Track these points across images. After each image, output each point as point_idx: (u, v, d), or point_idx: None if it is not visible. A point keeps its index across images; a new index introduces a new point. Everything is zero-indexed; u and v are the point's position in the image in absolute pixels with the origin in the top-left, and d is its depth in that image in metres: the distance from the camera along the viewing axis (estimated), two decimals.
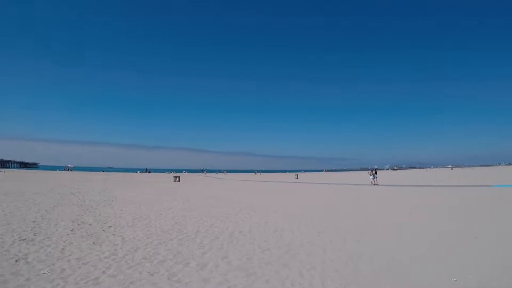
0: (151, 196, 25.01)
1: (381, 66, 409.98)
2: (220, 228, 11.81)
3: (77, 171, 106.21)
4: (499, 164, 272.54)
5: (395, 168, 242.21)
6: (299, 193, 29.95)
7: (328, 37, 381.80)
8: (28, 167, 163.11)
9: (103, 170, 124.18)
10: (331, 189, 35.04)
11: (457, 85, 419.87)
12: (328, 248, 8.87)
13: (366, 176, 41.56)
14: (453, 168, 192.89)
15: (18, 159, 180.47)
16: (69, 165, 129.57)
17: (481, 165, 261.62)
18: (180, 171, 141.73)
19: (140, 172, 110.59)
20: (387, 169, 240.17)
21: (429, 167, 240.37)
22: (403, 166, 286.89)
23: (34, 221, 12.54)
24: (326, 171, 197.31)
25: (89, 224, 12.20)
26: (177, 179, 52.53)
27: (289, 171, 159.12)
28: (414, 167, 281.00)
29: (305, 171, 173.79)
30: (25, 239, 9.55)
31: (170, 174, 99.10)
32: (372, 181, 40.16)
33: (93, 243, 9.40)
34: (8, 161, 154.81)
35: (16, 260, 7.49)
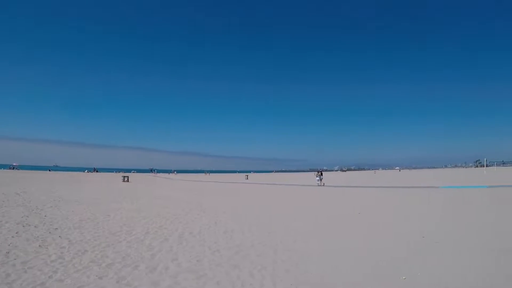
0: (99, 196, 24.12)
1: (333, 67, 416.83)
2: (170, 230, 11.55)
3: (23, 170, 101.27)
4: (446, 166, 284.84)
5: (344, 169, 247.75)
6: (249, 193, 30.02)
7: (272, 37, 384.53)
8: None
9: (49, 169, 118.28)
10: (281, 189, 35.39)
11: (403, 87, 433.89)
12: (278, 249, 8.87)
13: (313, 177, 42.40)
14: (401, 170, 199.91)
15: None
16: (14, 164, 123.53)
17: (428, 167, 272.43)
18: (129, 170, 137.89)
19: (88, 172, 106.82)
20: (336, 171, 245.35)
21: (378, 169, 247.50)
22: (352, 168, 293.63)
23: None
24: (276, 172, 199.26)
25: (35, 226, 11.56)
26: (126, 179, 51.26)
27: (239, 172, 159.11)
28: (363, 169, 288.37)
29: (255, 171, 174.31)
30: None
31: (119, 173, 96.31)
32: (318, 182, 40.87)
33: (39, 246, 8.90)
34: None
35: None
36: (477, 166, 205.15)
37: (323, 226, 12.20)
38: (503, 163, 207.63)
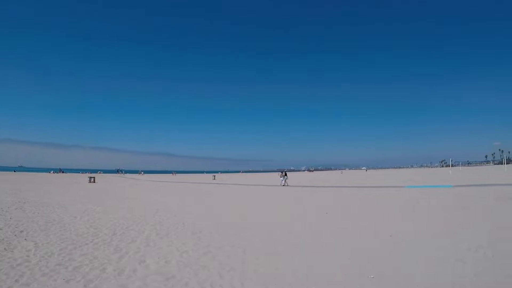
0: (64, 197, 23.44)
1: (301, 68, 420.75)
2: (137, 231, 11.33)
3: None
4: (412, 166, 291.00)
5: (311, 169, 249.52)
6: (216, 194, 29.72)
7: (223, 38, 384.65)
8: None
9: (14, 169, 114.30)
10: (247, 190, 35.30)
11: (371, 88, 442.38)
12: (247, 249, 8.82)
13: (278, 177, 42.69)
14: (368, 170, 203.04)
15: None
16: None
17: (395, 167, 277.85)
18: (95, 171, 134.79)
19: (53, 172, 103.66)
20: (303, 171, 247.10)
21: (344, 169, 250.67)
22: (319, 168, 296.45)
23: None
24: (243, 172, 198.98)
25: (0, 229, 11.18)
26: (92, 179, 49.85)
27: (207, 172, 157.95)
28: (330, 169, 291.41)
29: (222, 172, 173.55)
30: None
31: (85, 174, 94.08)
32: (282, 182, 41.14)
33: (4, 249, 8.57)
34: None
35: None
36: (442, 166, 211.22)
37: (291, 226, 12.19)
38: (468, 163, 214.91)
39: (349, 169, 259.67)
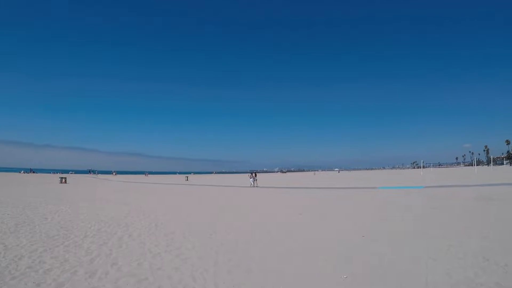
0: (35, 198, 22.82)
1: (279, 68, 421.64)
2: (109, 233, 11.07)
3: None
4: (384, 168, 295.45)
5: (284, 170, 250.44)
6: (189, 195, 29.49)
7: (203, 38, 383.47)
8: None
9: None
10: (220, 191, 35.14)
11: (343, 90, 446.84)
12: (220, 251, 8.71)
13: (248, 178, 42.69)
14: (340, 171, 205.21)
15: None
16: None
17: (367, 169, 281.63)
18: (66, 171, 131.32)
19: (24, 172, 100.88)
20: (276, 172, 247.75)
21: (317, 170, 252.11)
22: (292, 169, 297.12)
23: None
24: (216, 173, 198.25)
25: None
26: (63, 180, 48.76)
27: (180, 173, 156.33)
28: (303, 170, 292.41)
29: (195, 173, 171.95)
30: None
31: (56, 175, 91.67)
32: (252, 183, 41.22)
33: None
34: None
35: None
36: (414, 168, 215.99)
37: (264, 227, 12.11)
38: (439, 165, 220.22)
39: (322, 170, 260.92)
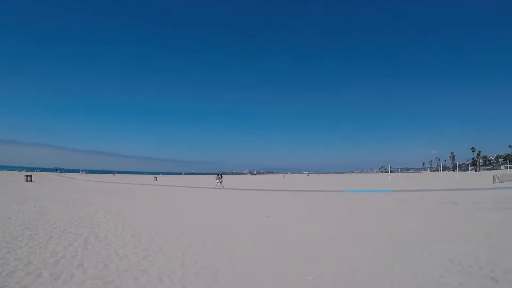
0: None
1: (243, 71, 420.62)
2: (74, 234, 10.70)
3: None
4: (352, 172, 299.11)
5: (253, 173, 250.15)
6: (157, 195, 29.09)
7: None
8: None
9: None
10: (187, 191, 34.94)
11: (309, 95, 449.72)
12: (187, 252, 8.61)
13: (215, 179, 42.54)
14: (309, 174, 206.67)
15: None
16: None
17: (336, 172, 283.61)
18: (32, 169, 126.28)
19: None
20: (246, 174, 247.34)
21: (286, 173, 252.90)
22: (262, 171, 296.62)
23: None
24: (185, 173, 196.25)
25: None
26: (29, 178, 46.81)
27: (148, 173, 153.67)
28: (273, 173, 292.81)
29: (164, 173, 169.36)
30: None
31: (21, 172, 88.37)
32: (218, 185, 41.16)
33: None
34: None
35: None
36: (382, 172, 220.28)
37: (232, 229, 12.08)
38: (407, 170, 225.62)
39: (291, 173, 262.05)
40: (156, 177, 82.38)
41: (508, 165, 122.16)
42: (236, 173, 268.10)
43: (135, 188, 41.40)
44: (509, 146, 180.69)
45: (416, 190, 32.53)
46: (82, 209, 17.12)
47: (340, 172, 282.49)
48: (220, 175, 43.40)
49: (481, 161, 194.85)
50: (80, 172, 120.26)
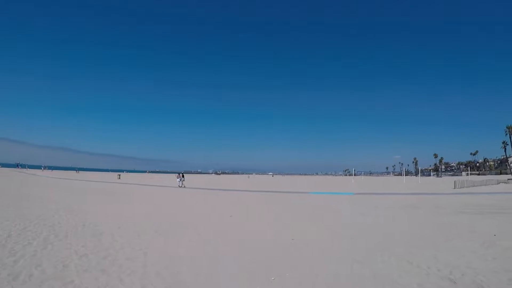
0: None
1: (208, 71, 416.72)
2: (34, 232, 10.34)
3: None
4: (317, 174, 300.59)
5: (218, 172, 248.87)
6: (120, 194, 28.52)
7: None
8: None
9: None
10: (153, 190, 34.49)
11: (277, 96, 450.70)
12: (148, 251, 8.50)
13: (179, 178, 42.10)
14: (274, 175, 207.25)
15: None
16: None
17: (300, 174, 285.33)
18: None
19: None
20: (211, 173, 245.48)
21: (251, 173, 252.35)
22: (227, 171, 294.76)
23: None
24: (150, 172, 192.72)
25: None
26: None
27: (112, 171, 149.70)
28: (237, 173, 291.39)
29: (128, 171, 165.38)
30: None
31: None
32: (179, 184, 40.91)
33: None
34: None
35: None
36: (346, 175, 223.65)
37: (194, 228, 11.98)
38: (370, 173, 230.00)
39: (256, 173, 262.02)
40: (119, 175, 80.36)
41: (469, 172, 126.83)
42: (201, 173, 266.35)
43: (98, 186, 40.37)
44: (471, 154, 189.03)
45: (378, 194, 33.18)
46: (43, 207, 16.57)
47: (305, 174, 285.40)
48: (181, 174, 43.15)
49: (443, 167, 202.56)
50: (42, 168, 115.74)
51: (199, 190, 35.50)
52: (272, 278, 6.54)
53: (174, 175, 50.28)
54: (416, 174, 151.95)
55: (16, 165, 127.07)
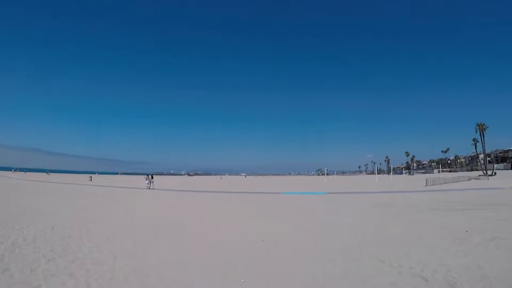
0: None
1: (187, 73, 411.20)
2: (2, 236, 10.04)
3: None
4: (290, 174, 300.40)
5: (191, 174, 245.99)
6: (92, 196, 28.00)
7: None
8: None
9: None
10: (124, 192, 34.01)
11: (249, 96, 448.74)
12: (117, 255, 8.33)
13: (157, 179, 41.66)
14: (247, 176, 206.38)
15: None
16: None
17: (273, 174, 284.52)
18: None
19: None
20: (183, 175, 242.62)
21: (224, 174, 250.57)
22: (200, 172, 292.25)
23: None
24: (122, 174, 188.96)
25: None
26: None
27: (83, 173, 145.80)
28: (210, 174, 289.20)
29: (100, 173, 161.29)
30: None
31: None
32: (148, 186, 40.48)
33: None
34: None
35: None
36: (319, 175, 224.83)
37: (164, 231, 11.86)
38: (343, 172, 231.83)
39: (229, 174, 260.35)
40: (91, 177, 78.70)
41: (440, 169, 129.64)
42: (174, 174, 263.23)
43: (69, 188, 39.45)
44: (442, 151, 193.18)
45: (351, 192, 33.41)
46: (11, 209, 16.09)
47: (278, 174, 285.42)
48: (151, 176, 42.71)
49: (415, 165, 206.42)
50: (13, 170, 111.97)
51: (170, 192, 35.15)
52: (242, 280, 6.45)
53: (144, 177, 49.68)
54: (388, 173, 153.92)
55: None
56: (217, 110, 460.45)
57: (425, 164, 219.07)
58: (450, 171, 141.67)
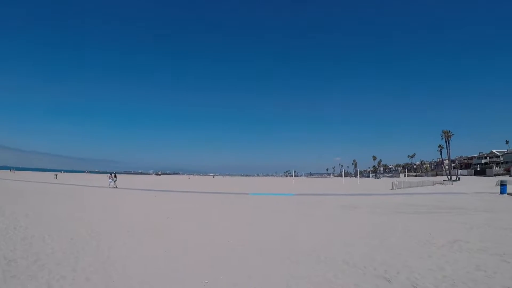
0: None
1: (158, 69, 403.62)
2: None
3: None
4: (258, 175, 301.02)
5: (159, 173, 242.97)
6: (55, 194, 26.95)
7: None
8: None
9: None
10: (90, 191, 32.95)
11: (216, 97, 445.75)
12: (80, 256, 8.05)
13: (124, 178, 40.77)
14: (215, 176, 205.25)
15: None
16: None
17: (241, 175, 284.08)
18: None
19: None
20: (151, 174, 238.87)
21: (192, 174, 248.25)
22: (168, 172, 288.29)
23: None
24: (89, 172, 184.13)
25: None
26: None
27: (49, 171, 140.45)
28: (178, 173, 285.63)
29: (66, 171, 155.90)
30: None
31: None
32: (111, 184, 39.78)
33: None
34: None
35: None
36: (286, 176, 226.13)
37: (128, 231, 11.50)
38: (311, 174, 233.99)
39: (197, 174, 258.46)
40: (56, 175, 76.14)
41: (406, 173, 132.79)
42: (141, 173, 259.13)
43: (33, 186, 37.90)
44: (408, 156, 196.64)
45: (318, 194, 33.56)
46: None
47: (246, 175, 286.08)
48: (113, 174, 42.01)
49: (381, 168, 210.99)
50: None
51: (137, 191, 34.40)
52: (206, 281, 6.35)
53: (118, 175, 48.58)
54: (356, 176, 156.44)
55: None
56: (183, 110, 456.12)
57: (392, 168, 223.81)
58: (415, 176, 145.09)
